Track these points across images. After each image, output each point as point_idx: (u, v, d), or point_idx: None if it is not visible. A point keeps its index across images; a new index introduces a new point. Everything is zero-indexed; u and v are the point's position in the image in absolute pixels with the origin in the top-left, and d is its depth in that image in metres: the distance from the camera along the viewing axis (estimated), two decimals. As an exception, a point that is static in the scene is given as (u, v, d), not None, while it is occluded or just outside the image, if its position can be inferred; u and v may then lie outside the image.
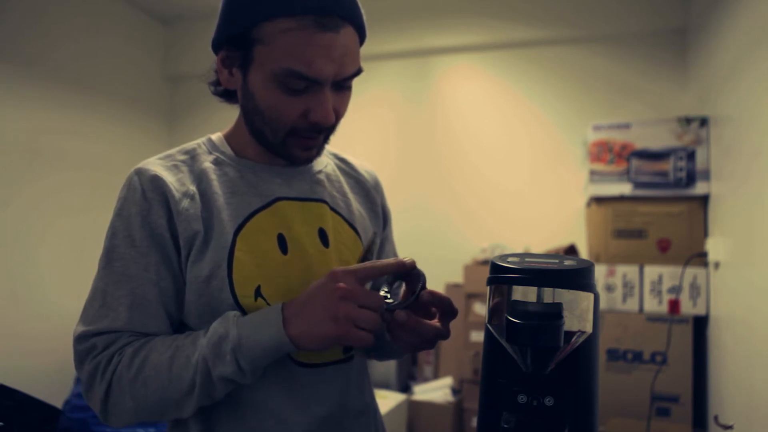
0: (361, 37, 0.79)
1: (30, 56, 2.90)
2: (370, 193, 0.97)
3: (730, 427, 1.34)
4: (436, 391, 2.80)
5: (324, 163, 0.92)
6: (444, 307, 0.77)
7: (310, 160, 0.84)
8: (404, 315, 0.73)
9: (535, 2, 3.11)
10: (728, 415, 1.91)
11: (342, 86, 0.77)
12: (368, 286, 0.74)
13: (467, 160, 3.25)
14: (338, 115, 0.79)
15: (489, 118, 3.24)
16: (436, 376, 2.98)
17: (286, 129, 0.77)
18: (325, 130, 0.79)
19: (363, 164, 1.00)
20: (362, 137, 3.27)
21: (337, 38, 0.72)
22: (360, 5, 0.77)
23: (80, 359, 0.75)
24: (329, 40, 0.71)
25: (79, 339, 0.75)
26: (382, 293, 0.74)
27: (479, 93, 3.27)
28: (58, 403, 2.51)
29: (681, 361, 2.22)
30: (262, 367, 0.72)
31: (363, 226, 0.92)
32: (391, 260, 0.73)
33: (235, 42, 0.76)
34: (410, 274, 0.76)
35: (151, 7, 3.59)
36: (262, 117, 0.77)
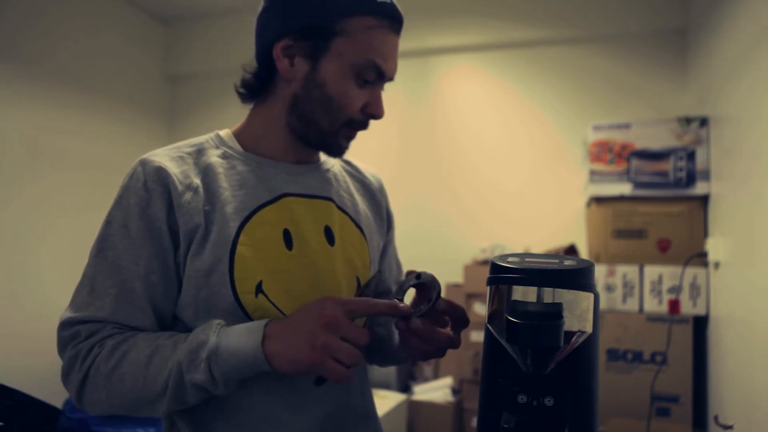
0: None
1: (30, 56, 2.90)
2: (375, 196, 0.97)
3: (730, 427, 1.34)
4: (436, 391, 2.80)
5: (331, 162, 0.93)
6: (457, 316, 0.77)
7: (344, 152, 0.87)
8: (420, 323, 0.72)
9: (535, 2, 3.11)
10: (728, 415, 1.91)
11: (382, 87, 0.83)
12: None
13: (467, 160, 3.25)
14: None
15: (489, 118, 3.24)
16: (436, 376, 2.98)
17: (345, 118, 0.81)
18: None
19: (368, 168, 1.01)
20: (362, 137, 3.26)
21: (397, 41, 0.82)
22: None
23: (63, 345, 0.75)
24: (395, 42, 0.82)
25: (64, 325, 0.75)
26: (394, 299, 0.74)
27: (479, 93, 3.27)
28: (58, 403, 2.50)
29: (681, 361, 2.22)
30: (236, 380, 0.70)
31: (369, 227, 0.92)
32: (385, 302, 0.72)
33: (309, 32, 0.78)
34: (424, 282, 0.75)
35: (151, 7, 3.59)
36: (329, 105, 0.79)
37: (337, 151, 0.85)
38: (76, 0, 3.15)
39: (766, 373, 1.60)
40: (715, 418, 1.83)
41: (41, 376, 2.67)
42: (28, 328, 2.77)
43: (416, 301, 0.77)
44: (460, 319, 0.77)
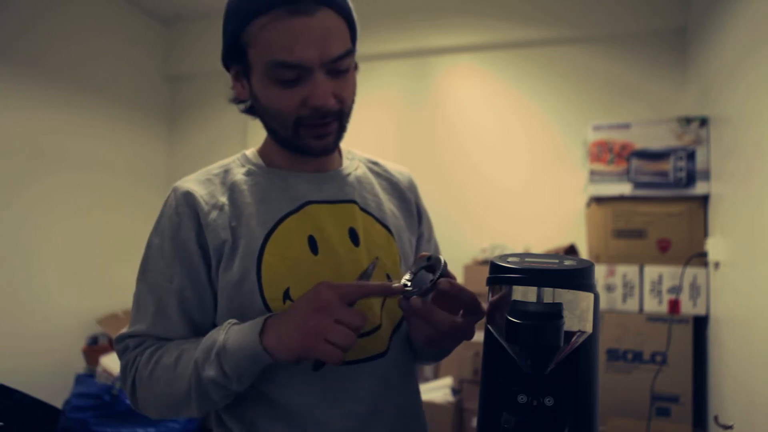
0: (347, 19, 0.78)
1: (31, 57, 2.90)
2: (404, 194, 0.98)
3: (730, 427, 1.34)
4: (436, 391, 2.80)
5: (354, 166, 0.94)
6: (467, 302, 0.74)
7: (328, 149, 0.82)
8: (419, 302, 0.71)
9: (535, 2, 3.11)
10: (728, 415, 1.91)
11: (337, 70, 0.77)
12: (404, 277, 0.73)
13: (467, 160, 3.25)
14: (343, 100, 0.78)
15: (489, 118, 3.24)
16: (436, 376, 2.97)
17: (291, 120, 0.78)
18: (334, 116, 0.78)
19: (396, 166, 1.03)
20: (361, 137, 3.26)
21: (313, 21, 0.73)
22: None
23: (118, 356, 0.85)
24: (304, 24, 0.73)
25: (117, 339, 0.84)
26: (403, 281, 0.73)
27: (479, 93, 3.27)
28: (58, 403, 2.50)
29: (681, 361, 2.22)
30: (250, 374, 0.73)
31: (396, 224, 0.92)
32: (377, 283, 0.73)
33: (234, 54, 0.80)
34: (433, 264, 0.75)
35: (151, 7, 3.59)
36: (270, 115, 0.80)
37: (314, 150, 0.81)
38: (77, 0, 3.15)
39: (766, 373, 1.60)
40: (715, 418, 1.83)
41: (41, 376, 2.67)
42: (29, 328, 2.77)
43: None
44: (470, 306, 0.75)
